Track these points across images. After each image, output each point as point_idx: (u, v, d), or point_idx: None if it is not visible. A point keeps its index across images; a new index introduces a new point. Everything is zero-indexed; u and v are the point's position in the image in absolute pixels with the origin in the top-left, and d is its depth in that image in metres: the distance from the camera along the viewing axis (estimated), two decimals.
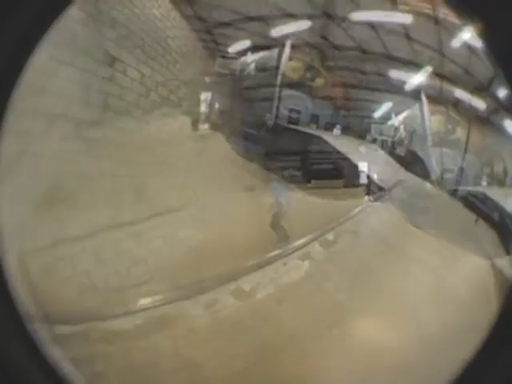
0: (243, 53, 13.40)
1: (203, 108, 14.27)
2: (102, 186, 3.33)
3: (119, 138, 3.76)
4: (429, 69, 10.49)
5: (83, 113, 3.37)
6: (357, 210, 3.30)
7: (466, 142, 11.78)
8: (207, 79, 14.35)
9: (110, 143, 3.57)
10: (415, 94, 11.30)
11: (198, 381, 1.56)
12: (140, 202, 3.84)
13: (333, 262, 2.31)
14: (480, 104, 13.25)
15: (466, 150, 11.78)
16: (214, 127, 11.12)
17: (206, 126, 12.68)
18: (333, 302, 1.97)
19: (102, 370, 1.68)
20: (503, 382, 0.73)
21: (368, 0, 8.84)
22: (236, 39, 13.19)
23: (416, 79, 10.88)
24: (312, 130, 7.80)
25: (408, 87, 11.38)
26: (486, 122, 14.03)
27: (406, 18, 8.52)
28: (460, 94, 12.42)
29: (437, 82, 11.26)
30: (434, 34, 9.18)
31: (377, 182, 4.47)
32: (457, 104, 12.26)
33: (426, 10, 8.30)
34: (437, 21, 8.90)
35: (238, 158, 6.64)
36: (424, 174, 8.12)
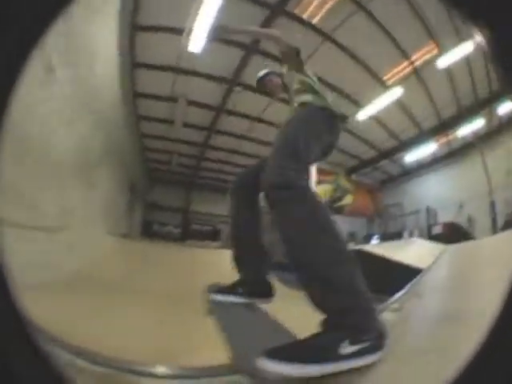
0: None
1: None
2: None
3: None
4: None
5: None
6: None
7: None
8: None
9: None
10: None
11: None
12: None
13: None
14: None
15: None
16: None
17: None
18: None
19: None
20: (503, 382, 0.68)
21: (359, 91, 9.10)
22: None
23: None
24: (352, 247, 7.75)
25: None
26: (389, 183, 13.96)
27: (397, 92, 8.73)
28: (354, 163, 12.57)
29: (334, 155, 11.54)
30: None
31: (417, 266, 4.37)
32: (351, 172, 12.99)
33: None
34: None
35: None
36: None
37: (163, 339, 3.28)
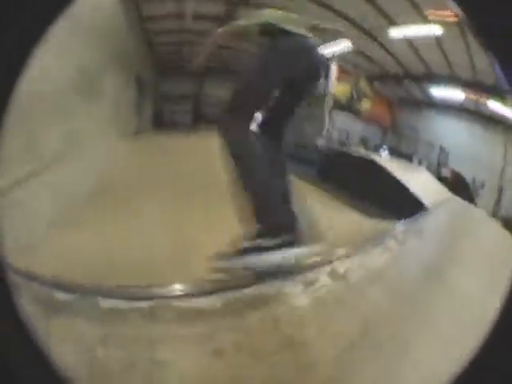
0: None
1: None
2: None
3: None
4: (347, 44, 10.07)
5: None
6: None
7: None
8: None
9: None
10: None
11: (304, 362, 1.46)
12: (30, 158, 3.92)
13: (406, 258, 2.34)
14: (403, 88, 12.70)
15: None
16: None
17: None
18: (413, 289, 1.99)
19: (170, 356, 1.44)
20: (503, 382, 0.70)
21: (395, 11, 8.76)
22: None
23: (331, 49, 10.04)
24: (363, 153, 7.75)
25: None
26: (410, 104, 13.52)
27: (437, 30, 8.31)
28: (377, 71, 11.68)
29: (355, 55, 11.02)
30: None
31: (427, 204, 4.38)
32: (373, 79, 12.18)
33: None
34: None
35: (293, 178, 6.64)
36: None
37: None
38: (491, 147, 9.68)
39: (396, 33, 9.09)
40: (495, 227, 4.95)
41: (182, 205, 4.53)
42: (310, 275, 1.81)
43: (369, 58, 11.56)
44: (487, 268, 2.70)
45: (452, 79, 10.30)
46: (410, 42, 9.53)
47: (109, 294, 1.74)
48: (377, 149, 11.03)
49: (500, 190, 9.48)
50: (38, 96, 3.90)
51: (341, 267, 1.96)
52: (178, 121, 12.90)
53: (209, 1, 9.48)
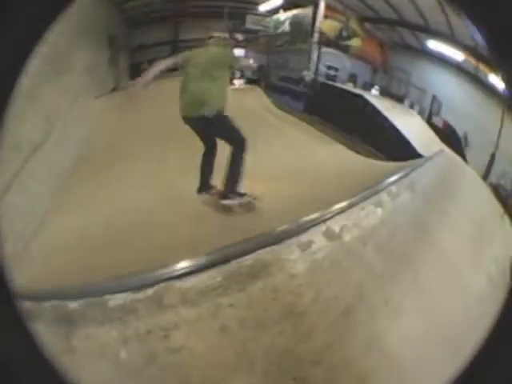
0: (275, 11, 13.39)
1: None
2: None
3: None
4: None
5: None
6: (411, 167, 3.25)
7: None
8: (239, 36, 14.15)
9: None
10: None
11: (303, 330, 1.51)
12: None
13: (399, 213, 2.34)
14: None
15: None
16: (250, 82, 11.84)
17: (242, 81, 12.65)
18: (403, 250, 2.02)
19: (184, 341, 1.50)
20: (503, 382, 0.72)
21: None
22: None
23: None
24: (352, 89, 7.52)
25: None
26: (404, 50, 13.71)
27: None
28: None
29: None
30: None
31: (416, 147, 4.34)
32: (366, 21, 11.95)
33: None
34: None
35: (278, 111, 6.51)
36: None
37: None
38: (487, 111, 9.38)
39: None
40: (485, 192, 4.95)
41: (165, 155, 4.53)
42: (306, 236, 1.80)
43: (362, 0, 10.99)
44: (474, 232, 2.75)
45: (452, 40, 9.80)
46: None
47: (113, 289, 1.73)
48: (366, 86, 10.93)
49: (492, 156, 9.74)
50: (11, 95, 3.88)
51: (336, 226, 1.92)
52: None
53: None
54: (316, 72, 8.99)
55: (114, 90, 8.68)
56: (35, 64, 3.53)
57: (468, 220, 2.97)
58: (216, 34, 4.64)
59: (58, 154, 4.67)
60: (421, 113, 10.35)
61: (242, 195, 3.43)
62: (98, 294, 1.71)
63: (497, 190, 5.94)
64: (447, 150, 5.58)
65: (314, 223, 1.87)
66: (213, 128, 3.60)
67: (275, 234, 1.80)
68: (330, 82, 8.58)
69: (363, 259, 1.85)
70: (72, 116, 5.49)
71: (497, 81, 9.14)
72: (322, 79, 8.85)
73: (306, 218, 1.89)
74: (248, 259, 1.66)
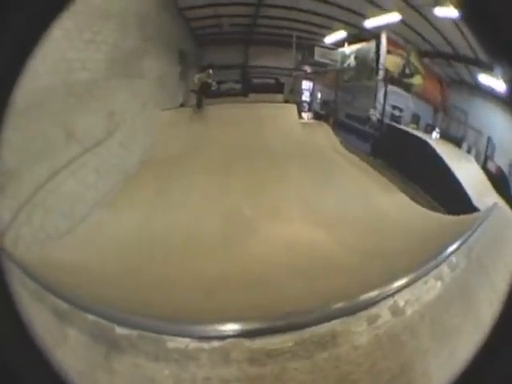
0: (341, 43, 12.88)
1: (305, 97, 14.17)
2: (35, 146, 3.51)
3: None
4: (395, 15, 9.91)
5: None
6: (472, 227, 3.17)
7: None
8: (308, 68, 14.28)
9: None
10: (376, 32, 10.77)
11: None
12: (71, 145, 4.02)
13: (455, 287, 2.34)
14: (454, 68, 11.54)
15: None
16: (318, 116, 11.78)
17: (310, 114, 12.66)
18: (450, 325, 2.03)
19: None
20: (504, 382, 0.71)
21: None
22: (330, 29, 12.77)
23: (380, 19, 10.38)
24: (415, 131, 7.39)
25: (369, 24, 10.96)
26: (461, 87, 12.46)
27: None
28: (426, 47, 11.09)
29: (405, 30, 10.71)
30: None
31: (472, 198, 4.20)
32: (424, 55, 11.45)
33: None
34: None
35: (346, 152, 6.53)
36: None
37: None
38: None
39: (442, 12, 8.60)
40: None
41: (228, 175, 4.66)
42: (375, 310, 1.84)
43: (417, 33, 10.92)
44: None
45: (504, 73, 9.41)
46: (456, 24, 8.62)
47: (175, 331, 1.74)
48: (428, 128, 10.65)
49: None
50: (73, 87, 4.27)
51: (401, 300, 1.92)
52: (226, 89, 12.62)
53: None
54: (382, 112, 9.01)
55: (182, 105, 9.10)
56: (102, 62, 4.39)
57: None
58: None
59: (122, 154, 4.94)
60: (477, 157, 10.05)
61: None
62: (155, 330, 1.73)
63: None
64: (500, 203, 5.38)
65: (383, 297, 1.90)
66: None
67: (349, 305, 1.83)
68: (395, 124, 8.62)
69: (418, 334, 1.90)
70: (139, 121, 5.85)
71: None
72: (387, 120, 8.88)
73: (376, 292, 1.94)
74: (321, 328, 1.70)
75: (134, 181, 4.47)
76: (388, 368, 1.67)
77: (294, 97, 13.10)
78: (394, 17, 10.01)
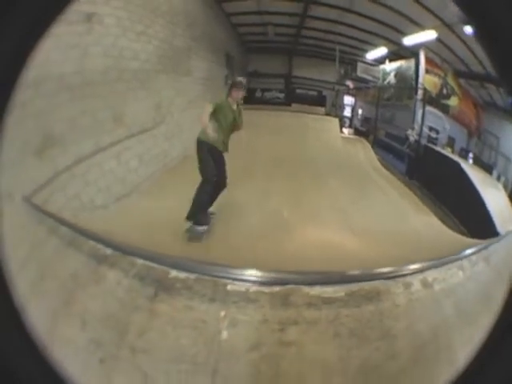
0: (382, 60, 13.13)
1: (347, 112, 14.41)
2: (84, 122, 3.63)
3: None
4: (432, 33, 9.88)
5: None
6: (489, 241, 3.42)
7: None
8: (350, 84, 14.38)
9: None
10: (414, 49, 10.82)
11: (391, 351, 1.74)
12: (118, 128, 4.12)
13: (474, 280, 2.65)
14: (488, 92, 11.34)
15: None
16: (358, 132, 12.01)
17: (351, 130, 12.64)
18: (469, 313, 2.33)
19: (297, 337, 1.63)
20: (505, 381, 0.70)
21: None
22: (372, 45, 13.02)
23: (418, 37, 10.33)
24: (451, 155, 7.50)
25: (407, 41, 10.95)
26: (493, 110, 11.75)
27: None
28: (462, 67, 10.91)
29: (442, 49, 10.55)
30: None
31: (497, 225, 4.41)
32: (460, 76, 11.32)
33: None
34: None
35: (383, 170, 6.75)
36: None
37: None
38: None
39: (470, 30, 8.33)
40: None
41: (269, 180, 4.82)
42: (409, 278, 2.04)
43: (453, 53, 10.89)
44: None
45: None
46: None
47: (236, 276, 1.82)
48: (462, 153, 10.60)
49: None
50: (124, 73, 4.41)
51: (430, 277, 2.13)
52: (270, 98, 13.37)
53: None
54: (420, 133, 9.05)
55: None
56: (152, 55, 4.97)
57: None
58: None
59: (165, 146, 5.20)
60: (505, 185, 9.95)
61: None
62: (214, 274, 1.82)
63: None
64: None
65: (415, 271, 2.13)
66: None
67: (390, 271, 2.08)
68: (432, 146, 8.62)
69: (444, 308, 2.16)
70: (185, 117, 6.15)
71: None
72: (424, 141, 8.93)
73: (411, 266, 2.17)
74: (367, 285, 1.92)
75: (174, 173, 4.70)
76: (421, 332, 1.83)
77: (335, 111, 13.49)
78: (430, 34, 10.04)
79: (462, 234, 4.09)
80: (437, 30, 9.88)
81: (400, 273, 2.10)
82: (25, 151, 2.82)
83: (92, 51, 3.78)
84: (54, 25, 0.77)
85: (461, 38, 9.56)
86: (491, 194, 5.44)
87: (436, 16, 9.46)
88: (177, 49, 6.40)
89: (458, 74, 11.43)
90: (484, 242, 3.31)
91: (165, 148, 5.18)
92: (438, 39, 10.22)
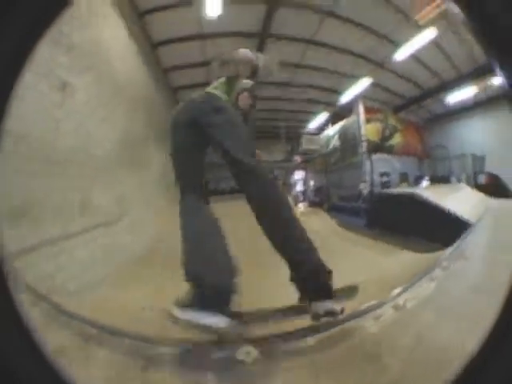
0: (325, 126, 14.02)
1: (299, 186, 15.17)
2: (54, 200, 3.47)
3: None
4: (366, 80, 10.44)
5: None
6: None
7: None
8: (298, 158, 15.14)
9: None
10: (352, 104, 11.35)
11: (375, 369, 1.85)
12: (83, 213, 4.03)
13: (450, 279, 2.63)
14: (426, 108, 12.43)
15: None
16: (313, 204, 12.12)
17: (305, 203, 12.81)
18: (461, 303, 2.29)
19: None
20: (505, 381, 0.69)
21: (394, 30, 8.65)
22: (312, 113, 14.03)
23: (355, 88, 10.92)
24: (406, 189, 7.56)
25: (345, 98, 11.59)
26: (435, 123, 13.04)
27: (431, 33, 8.03)
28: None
29: (377, 92, 11.39)
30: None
31: (469, 220, 4.46)
32: (398, 110, 12.45)
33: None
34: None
35: (342, 230, 6.92)
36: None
37: None
38: None
39: (400, 55, 9.13)
40: None
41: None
42: (378, 311, 2.01)
43: (389, 90, 11.95)
44: None
45: (461, 78, 10.21)
46: (416, 58, 9.63)
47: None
48: (417, 180, 10.91)
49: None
50: (91, 158, 4.26)
51: (401, 300, 2.09)
52: (223, 188, 12.86)
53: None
54: (372, 182, 9.28)
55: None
56: (115, 143, 4.93)
57: None
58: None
59: (129, 239, 4.90)
60: (468, 178, 10.26)
61: None
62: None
63: None
64: (494, 203, 5.59)
65: (384, 302, 2.06)
66: None
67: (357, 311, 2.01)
68: (385, 190, 8.61)
69: (422, 319, 2.18)
70: (143, 208, 5.94)
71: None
72: (377, 189, 9.07)
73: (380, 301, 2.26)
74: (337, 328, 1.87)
75: (142, 262, 4.49)
76: (401, 346, 1.89)
77: (287, 190, 13.96)
78: (366, 81, 10.66)
79: (437, 249, 4.09)
80: (371, 75, 10.54)
81: (368, 308, 2.10)
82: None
83: (64, 128, 3.72)
84: (53, 25, 0.79)
85: (394, 71, 10.39)
86: (454, 198, 5.55)
87: (367, 59, 10.12)
88: (138, 138, 6.44)
89: (396, 110, 12.58)
90: (456, 242, 3.33)
91: (129, 240, 5.02)
92: (373, 84, 10.92)
